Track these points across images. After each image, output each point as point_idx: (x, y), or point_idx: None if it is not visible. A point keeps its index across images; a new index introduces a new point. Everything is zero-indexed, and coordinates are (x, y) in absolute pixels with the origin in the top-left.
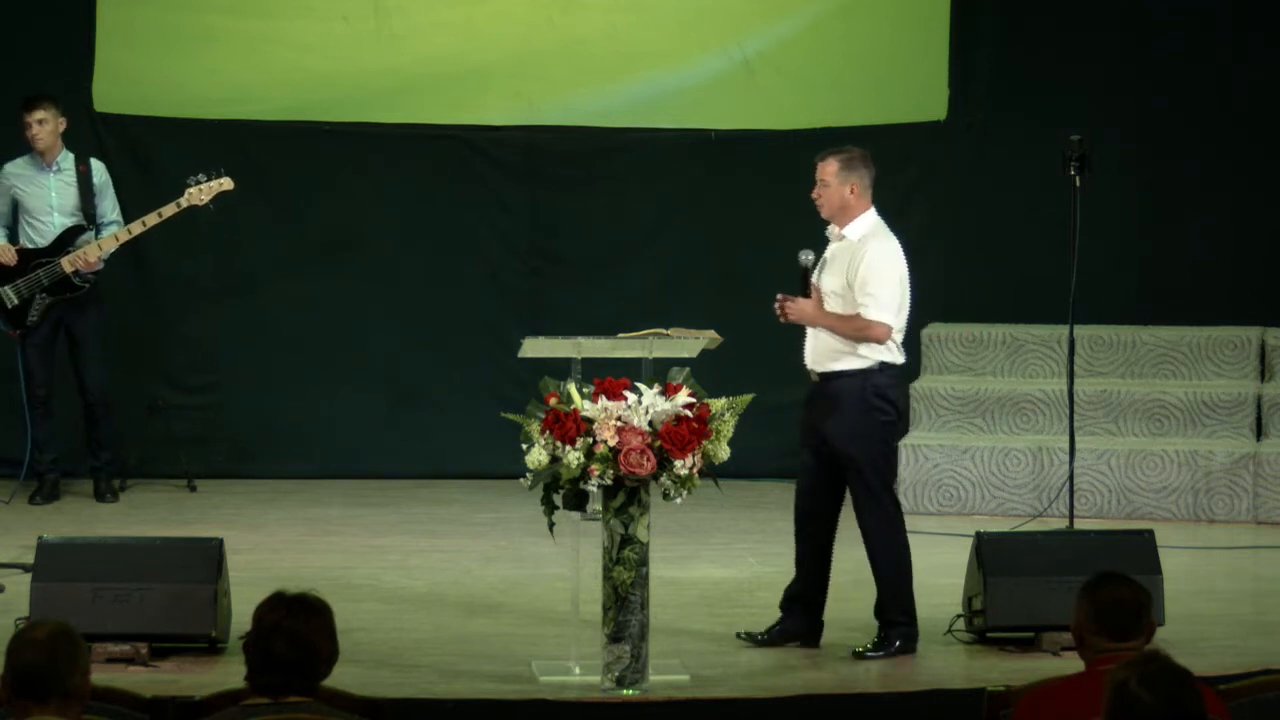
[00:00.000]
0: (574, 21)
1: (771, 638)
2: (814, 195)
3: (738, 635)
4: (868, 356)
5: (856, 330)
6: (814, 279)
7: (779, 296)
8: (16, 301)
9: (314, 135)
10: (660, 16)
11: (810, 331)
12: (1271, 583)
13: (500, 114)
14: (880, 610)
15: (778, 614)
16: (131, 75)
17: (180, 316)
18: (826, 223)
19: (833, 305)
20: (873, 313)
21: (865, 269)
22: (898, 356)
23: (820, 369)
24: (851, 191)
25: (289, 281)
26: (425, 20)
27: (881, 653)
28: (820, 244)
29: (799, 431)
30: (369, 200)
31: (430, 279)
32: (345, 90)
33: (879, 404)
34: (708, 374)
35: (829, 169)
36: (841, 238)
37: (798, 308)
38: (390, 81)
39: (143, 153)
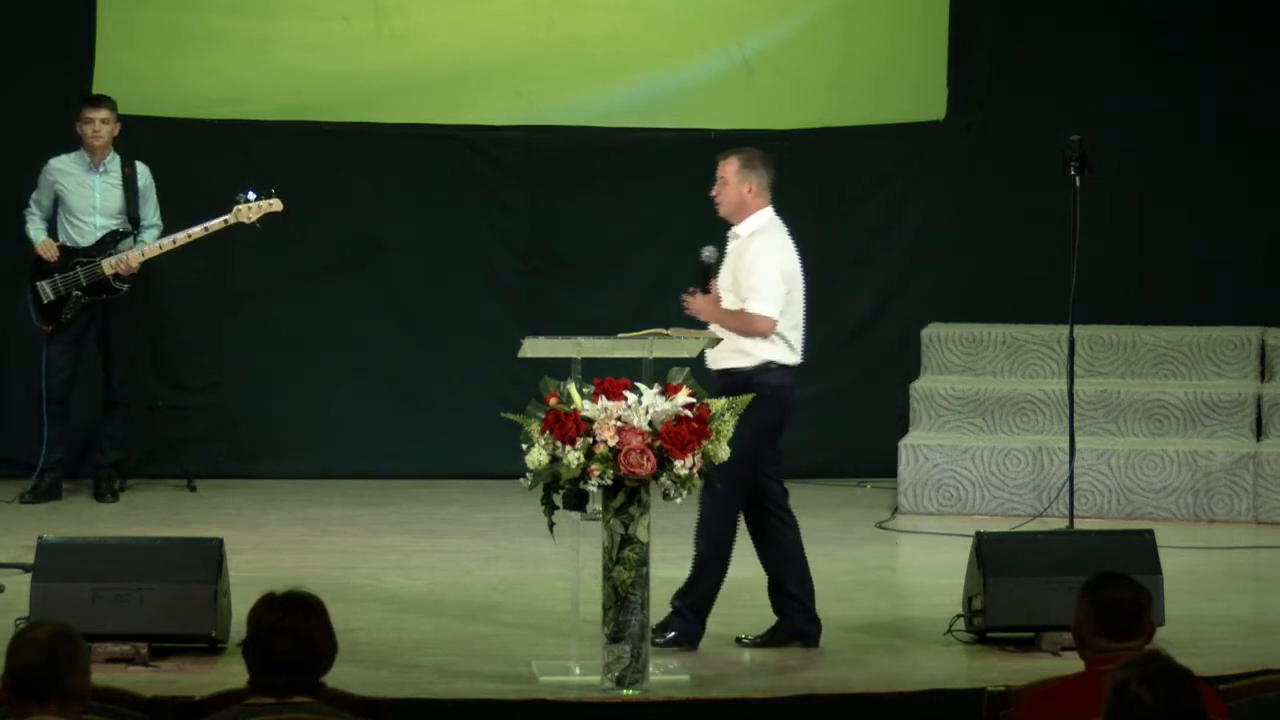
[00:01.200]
0: (574, 21)
1: (770, 640)
2: (713, 193)
3: (738, 640)
4: (754, 354)
5: (741, 325)
6: (716, 277)
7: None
8: (53, 297)
9: (314, 135)
10: (660, 16)
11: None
12: (1271, 583)
13: (500, 114)
14: (679, 591)
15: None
16: (131, 75)
17: (181, 316)
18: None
19: (727, 302)
20: (753, 305)
21: (749, 263)
22: (788, 355)
23: (715, 366)
24: (749, 190)
25: (289, 282)
26: (425, 20)
27: (658, 636)
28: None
29: None
30: (369, 200)
31: (430, 279)
32: (345, 90)
33: (760, 402)
34: (708, 374)
35: (729, 167)
36: (736, 236)
37: (695, 304)
38: (390, 81)
39: (143, 153)
